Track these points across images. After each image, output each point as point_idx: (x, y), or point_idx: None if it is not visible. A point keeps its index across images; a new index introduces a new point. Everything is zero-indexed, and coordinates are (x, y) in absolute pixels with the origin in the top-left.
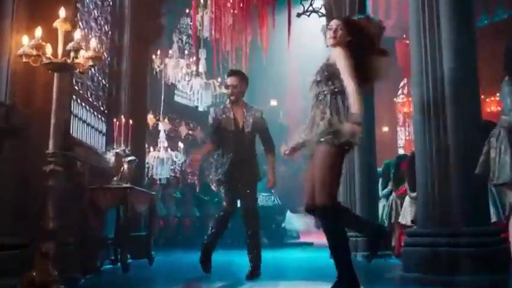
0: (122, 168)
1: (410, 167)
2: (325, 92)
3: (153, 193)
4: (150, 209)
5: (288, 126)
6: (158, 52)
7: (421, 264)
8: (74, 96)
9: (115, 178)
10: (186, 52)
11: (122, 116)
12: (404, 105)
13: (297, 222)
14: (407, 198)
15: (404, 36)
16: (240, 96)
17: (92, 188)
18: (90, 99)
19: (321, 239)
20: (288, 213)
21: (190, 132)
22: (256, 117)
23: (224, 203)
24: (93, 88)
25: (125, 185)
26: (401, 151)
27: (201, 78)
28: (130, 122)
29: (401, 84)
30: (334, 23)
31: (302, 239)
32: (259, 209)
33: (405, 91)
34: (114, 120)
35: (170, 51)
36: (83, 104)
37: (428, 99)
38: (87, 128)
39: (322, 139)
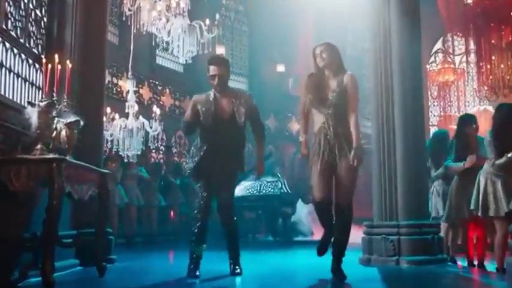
0: (55, 132)
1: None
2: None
3: (107, 171)
4: (99, 194)
5: (298, 97)
6: None
7: None
8: None
9: (39, 146)
10: None
11: (56, 56)
12: (439, 74)
13: (310, 215)
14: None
15: None
16: (226, 85)
17: None
18: (13, 34)
19: None
20: (299, 204)
21: (176, 103)
22: (249, 104)
23: (201, 192)
24: (18, 19)
25: (50, 156)
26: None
27: (183, 17)
28: (69, 64)
29: (436, 47)
30: (317, 49)
31: (316, 237)
32: (261, 198)
33: (439, 59)
34: (44, 61)
35: None
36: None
37: None
38: (7, 75)
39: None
